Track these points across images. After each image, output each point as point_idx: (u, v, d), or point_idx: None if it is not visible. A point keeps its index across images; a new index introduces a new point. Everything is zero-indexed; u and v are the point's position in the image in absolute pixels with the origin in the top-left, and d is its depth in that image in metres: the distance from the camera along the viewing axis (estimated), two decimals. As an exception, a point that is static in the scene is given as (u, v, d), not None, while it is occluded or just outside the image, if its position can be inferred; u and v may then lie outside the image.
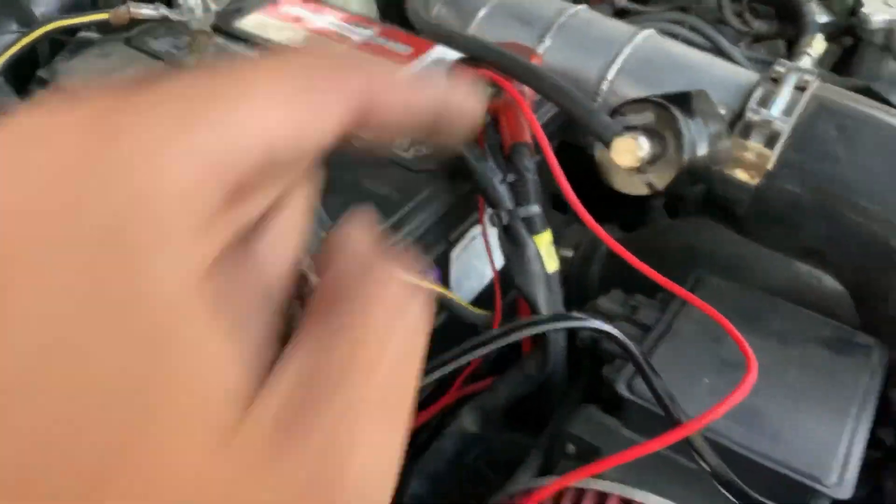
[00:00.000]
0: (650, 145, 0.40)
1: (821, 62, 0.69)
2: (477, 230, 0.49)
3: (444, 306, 0.44)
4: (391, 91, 0.16)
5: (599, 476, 0.36)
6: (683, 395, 0.36)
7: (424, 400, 0.46)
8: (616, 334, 0.36)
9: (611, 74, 0.53)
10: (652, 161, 0.40)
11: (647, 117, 0.41)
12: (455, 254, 0.48)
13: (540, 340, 0.43)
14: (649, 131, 0.40)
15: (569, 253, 0.56)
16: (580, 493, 0.37)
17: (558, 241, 0.46)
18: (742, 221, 0.48)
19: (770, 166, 0.45)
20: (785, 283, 0.50)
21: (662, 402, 0.35)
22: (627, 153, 0.39)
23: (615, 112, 0.42)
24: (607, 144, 0.40)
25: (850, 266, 0.46)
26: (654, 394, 0.36)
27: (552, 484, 0.36)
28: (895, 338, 0.45)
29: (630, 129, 0.40)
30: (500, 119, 0.43)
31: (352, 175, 0.44)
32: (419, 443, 0.46)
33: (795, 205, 0.46)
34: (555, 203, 0.54)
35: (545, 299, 0.43)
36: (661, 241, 0.57)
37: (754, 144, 0.46)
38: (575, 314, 0.40)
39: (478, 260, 0.51)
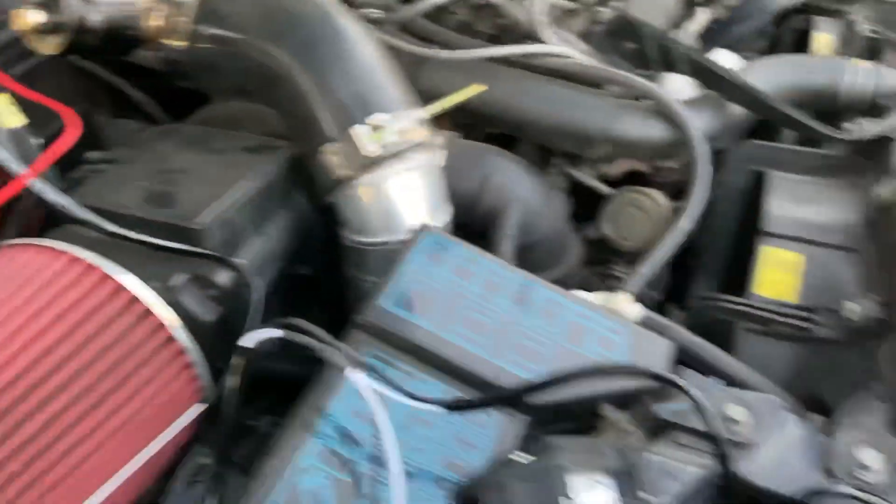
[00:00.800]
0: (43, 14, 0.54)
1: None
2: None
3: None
4: None
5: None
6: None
7: None
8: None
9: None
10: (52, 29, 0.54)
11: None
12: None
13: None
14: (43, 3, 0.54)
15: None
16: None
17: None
18: (189, 76, 0.64)
19: (187, 28, 0.61)
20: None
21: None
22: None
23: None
24: None
25: (258, 92, 0.63)
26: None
27: None
28: (298, 136, 0.62)
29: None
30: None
31: None
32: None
33: (210, 53, 0.62)
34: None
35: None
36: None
37: (174, 16, 0.62)
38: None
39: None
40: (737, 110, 0.75)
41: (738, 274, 0.84)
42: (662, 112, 0.72)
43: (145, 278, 0.46)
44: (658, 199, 0.85)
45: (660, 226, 0.86)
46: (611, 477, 0.32)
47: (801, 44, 1.02)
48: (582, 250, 0.82)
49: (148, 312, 0.45)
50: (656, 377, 0.41)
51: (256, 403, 0.59)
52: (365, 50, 0.61)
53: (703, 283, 0.84)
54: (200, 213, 0.52)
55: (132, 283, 0.45)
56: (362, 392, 0.38)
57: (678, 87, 0.77)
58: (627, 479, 0.33)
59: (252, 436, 0.60)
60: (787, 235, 0.68)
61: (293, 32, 0.59)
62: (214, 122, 0.69)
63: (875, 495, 0.40)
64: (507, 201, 0.68)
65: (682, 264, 0.79)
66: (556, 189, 0.79)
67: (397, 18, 0.80)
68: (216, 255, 0.50)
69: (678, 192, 0.84)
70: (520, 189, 0.70)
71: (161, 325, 0.45)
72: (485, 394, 0.42)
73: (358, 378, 0.38)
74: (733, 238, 0.84)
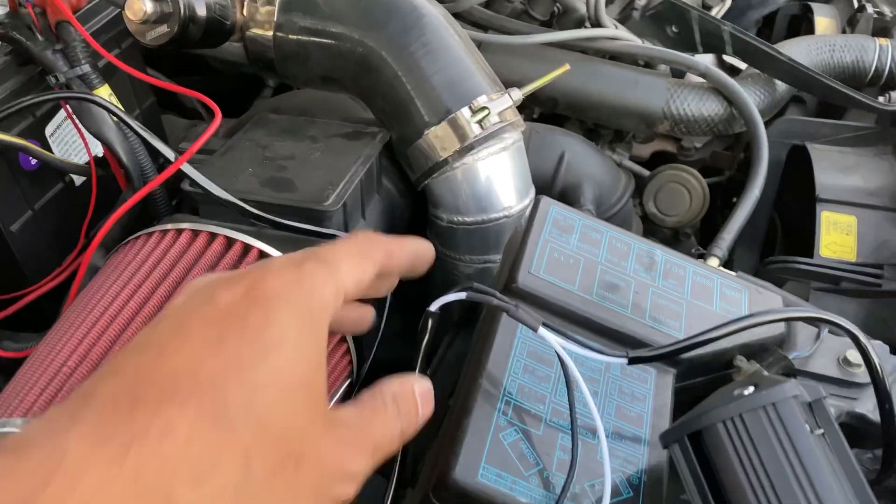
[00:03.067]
0: (153, 4, 0.54)
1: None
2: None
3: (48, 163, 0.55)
4: (396, 255, 0.36)
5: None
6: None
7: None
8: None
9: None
10: (159, 20, 0.55)
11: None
12: (49, 130, 0.59)
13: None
14: (153, -7, 0.54)
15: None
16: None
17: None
18: (276, 66, 0.64)
19: (276, 19, 0.62)
20: (324, 106, 0.68)
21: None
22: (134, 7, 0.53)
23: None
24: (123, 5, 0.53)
25: (349, 80, 0.64)
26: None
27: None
28: (394, 122, 0.63)
29: (137, -9, 0.54)
30: (46, 5, 0.55)
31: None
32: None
33: (299, 44, 0.63)
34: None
35: (121, 145, 0.56)
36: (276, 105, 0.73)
37: (261, 6, 0.62)
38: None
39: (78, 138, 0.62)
40: (780, 87, 0.80)
41: (774, 242, 0.89)
42: (716, 89, 0.76)
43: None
44: (697, 175, 0.89)
45: (698, 201, 0.90)
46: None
47: (794, 29, 1.08)
48: (640, 225, 0.85)
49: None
50: (816, 319, 0.44)
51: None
52: (453, 37, 0.63)
53: (745, 251, 0.89)
54: (328, 197, 0.53)
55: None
56: (556, 348, 0.40)
57: (716, 65, 0.81)
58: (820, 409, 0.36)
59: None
60: (839, 201, 0.73)
61: (387, 22, 0.61)
62: (286, 112, 0.70)
63: None
64: (581, 178, 0.71)
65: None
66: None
67: (457, 8, 0.82)
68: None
69: (702, 170, 0.89)
70: (591, 167, 0.73)
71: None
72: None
73: (548, 335, 0.40)
74: (770, 210, 0.89)
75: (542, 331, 0.39)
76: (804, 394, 0.34)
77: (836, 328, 0.44)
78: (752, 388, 0.34)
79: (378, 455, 0.30)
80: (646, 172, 0.89)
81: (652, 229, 0.93)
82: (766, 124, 0.84)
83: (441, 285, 0.49)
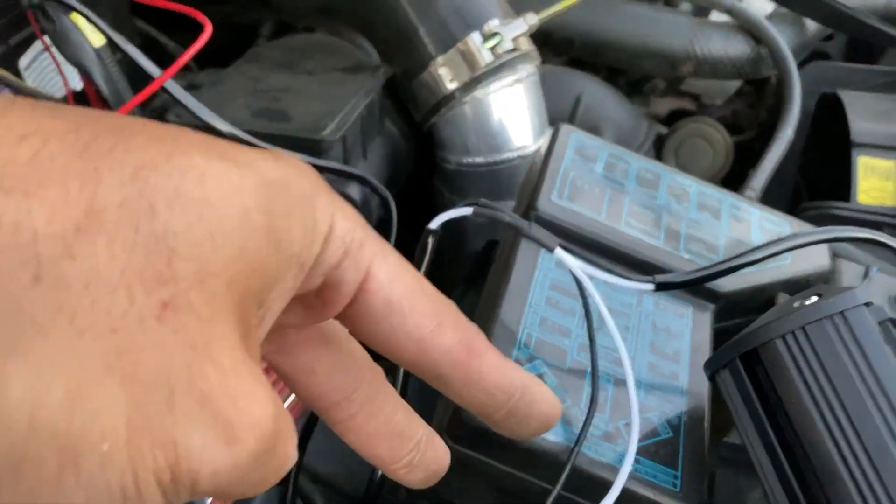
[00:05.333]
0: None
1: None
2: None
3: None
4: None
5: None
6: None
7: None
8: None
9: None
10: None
11: None
12: (23, 62, 0.55)
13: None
14: None
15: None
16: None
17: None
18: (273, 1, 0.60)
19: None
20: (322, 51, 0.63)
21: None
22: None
23: None
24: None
25: (348, 11, 0.59)
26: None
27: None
28: (397, 55, 0.58)
29: None
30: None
31: None
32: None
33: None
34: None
35: (101, 75, 0.51)
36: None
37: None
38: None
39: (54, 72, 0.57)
40: (811, 26, 0.74)
41: (802, 195, 0.84)
42: (744, 28, 0.71)
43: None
44: (720, 128, 0.84)
45: (724, 157, 0.85)
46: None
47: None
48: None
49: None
50: (867, 240, 0.39)
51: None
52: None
53: (772, 204, 0.84)
54: (324, 126, 0.48)
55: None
56: (575, 272, 0.35)
57: (756, 5, 0.76)
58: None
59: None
60: (876, 145, 0.68)
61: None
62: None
63: None
64: (599, 121, 0.66)
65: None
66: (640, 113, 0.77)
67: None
68: (351, 170, 0.47)
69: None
70: (610, 110, 0.68)
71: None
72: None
73: (568, 259, 0.35)
74: (798, 160, 0.84)
75: (559, 252, 0.34)
76: (881, 306, 0.29)
77: (891, 255, 0.39)
78: (815, 299, 0.29)
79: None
80: (664, 129, 0.84)
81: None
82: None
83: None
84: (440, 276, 0.42)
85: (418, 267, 0.37)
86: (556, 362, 0.36)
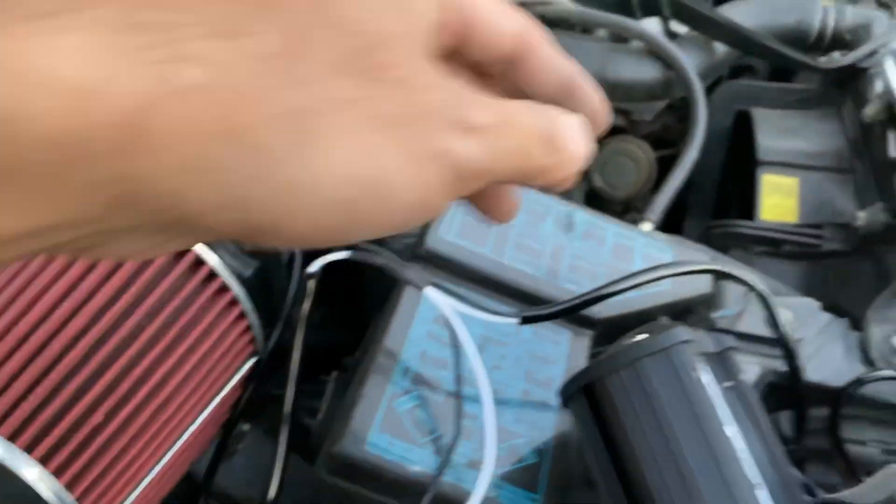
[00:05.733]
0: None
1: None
2: None
3: None
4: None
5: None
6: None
7: None
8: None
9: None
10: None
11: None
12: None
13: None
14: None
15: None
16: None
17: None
18: None
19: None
20: None
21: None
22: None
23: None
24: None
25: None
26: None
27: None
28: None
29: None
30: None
31: None
32: None
33: None
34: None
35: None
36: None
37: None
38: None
39: None
40: (720, 49, 0.78)
41: (725, 210, 0.87)
42: (653, 52, 0.74)
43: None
44: (642, 145, 0.87)
45: (647, 173, 0.88)
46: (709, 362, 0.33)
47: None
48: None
49: (199, 261, 0.44)
50: (721, 273, 0.42)
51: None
52: None
53: (694, 220, 0.87)
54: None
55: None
56: (443, 310, 0.37)
57: (660, 30, 0.79)
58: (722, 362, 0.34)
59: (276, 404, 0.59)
60: (780, 163, 0.72)
61: None
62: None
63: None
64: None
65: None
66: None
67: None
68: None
69: (653, 143, 0.87)
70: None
71: (212, 275, 0.44)
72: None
73: (437, 296, 0.37)
74: (719, 176, 0.87)
75: (429, 290, 0.37)
76: (704, 342, 0.32)
77: (740, 283, 0.42)
78: (643, 336, 0.32)
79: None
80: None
81: (601, 204, 0.91)
82: (710, 88, 0.82)
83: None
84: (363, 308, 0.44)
85: (301, 310, 0.39)
86: (431, 393, 0.38)
